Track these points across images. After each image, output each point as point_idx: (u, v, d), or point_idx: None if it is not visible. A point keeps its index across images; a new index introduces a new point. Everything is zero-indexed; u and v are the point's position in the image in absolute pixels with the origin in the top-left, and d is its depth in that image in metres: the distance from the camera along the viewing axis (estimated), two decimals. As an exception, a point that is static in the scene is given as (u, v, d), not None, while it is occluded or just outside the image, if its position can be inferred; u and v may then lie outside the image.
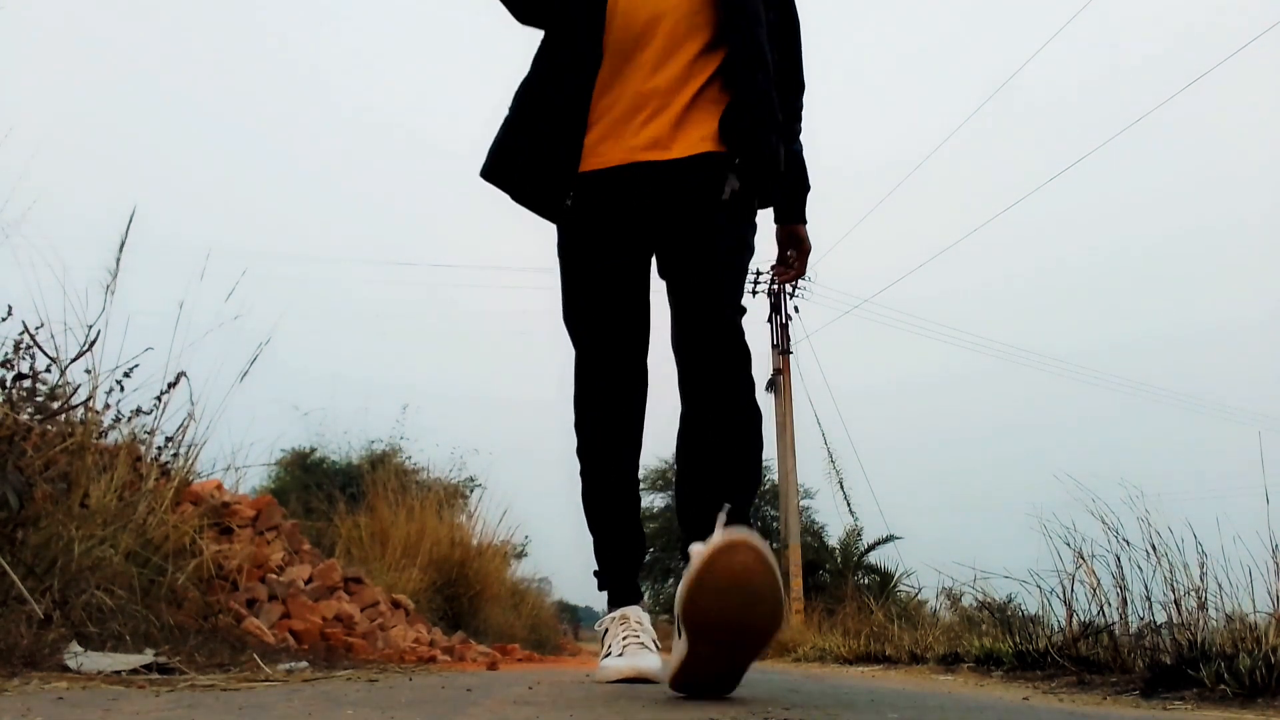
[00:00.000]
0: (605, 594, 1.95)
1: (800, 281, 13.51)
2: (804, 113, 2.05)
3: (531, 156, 1.84)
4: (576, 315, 1.87)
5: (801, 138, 2.07)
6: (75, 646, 1.90)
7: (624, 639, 1.83)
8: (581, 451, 1.90)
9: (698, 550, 1.23)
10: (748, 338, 1.75)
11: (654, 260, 1.87)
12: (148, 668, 1.86)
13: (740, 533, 1.19)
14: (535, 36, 1.92)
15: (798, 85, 2.02)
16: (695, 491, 1.71)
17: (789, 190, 2.05)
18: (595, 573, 1.97)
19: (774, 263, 2.15)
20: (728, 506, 1.43)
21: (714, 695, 1.41)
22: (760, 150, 1.78)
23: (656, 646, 1.86)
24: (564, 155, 1.80)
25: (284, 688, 1.67)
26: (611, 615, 1.90)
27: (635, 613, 1.88)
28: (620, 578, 1.93)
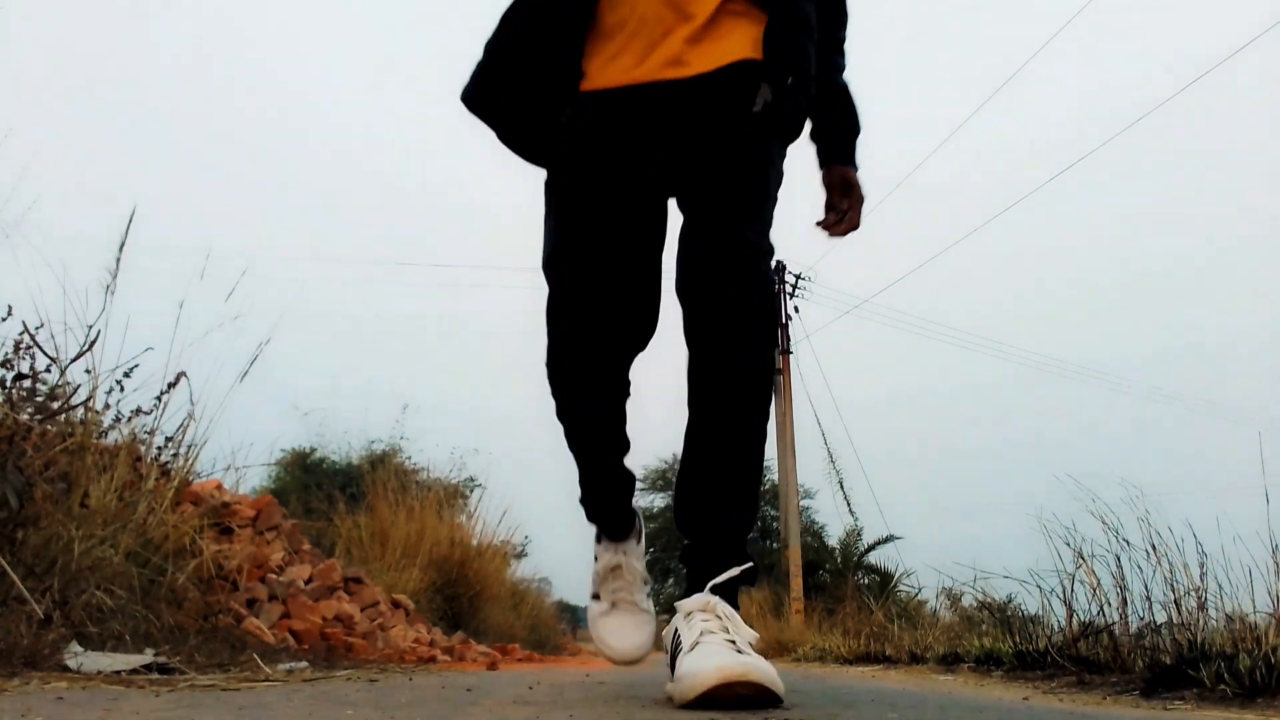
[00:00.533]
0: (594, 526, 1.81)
1: (800, 281, 13.52)
2: (847, 46, 1.81)
3: (525, 76, 1.58)
4: (567, 260, 1.53)
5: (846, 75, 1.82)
6: (75, 646, 1.90)
7: (614, 592, 1.75)
8: (563, 411, 1.65)
9: (690, 678, 1.21)
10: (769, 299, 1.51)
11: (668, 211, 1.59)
12: (148, 668, 1.86)
13: (737, 670, 1.18)
14: None
15: (841, 14, 1.78)
16: (695, 488, 1.48)
17: (837, 128, 1.82)
18: (581, 500, 1.77)
19: (821, 215, 1.83)
20: (715, 581, 1.37)
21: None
22: (797, 57, 1.53)
23: (649, 600, 1.78)
24: (562, 67, 1.53)
25: (284, 688, 1.67)
26: (605, 562, 1.76)
27: (629, 561, 1.76)
28: (611, 508, 1.75)
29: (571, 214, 1.53)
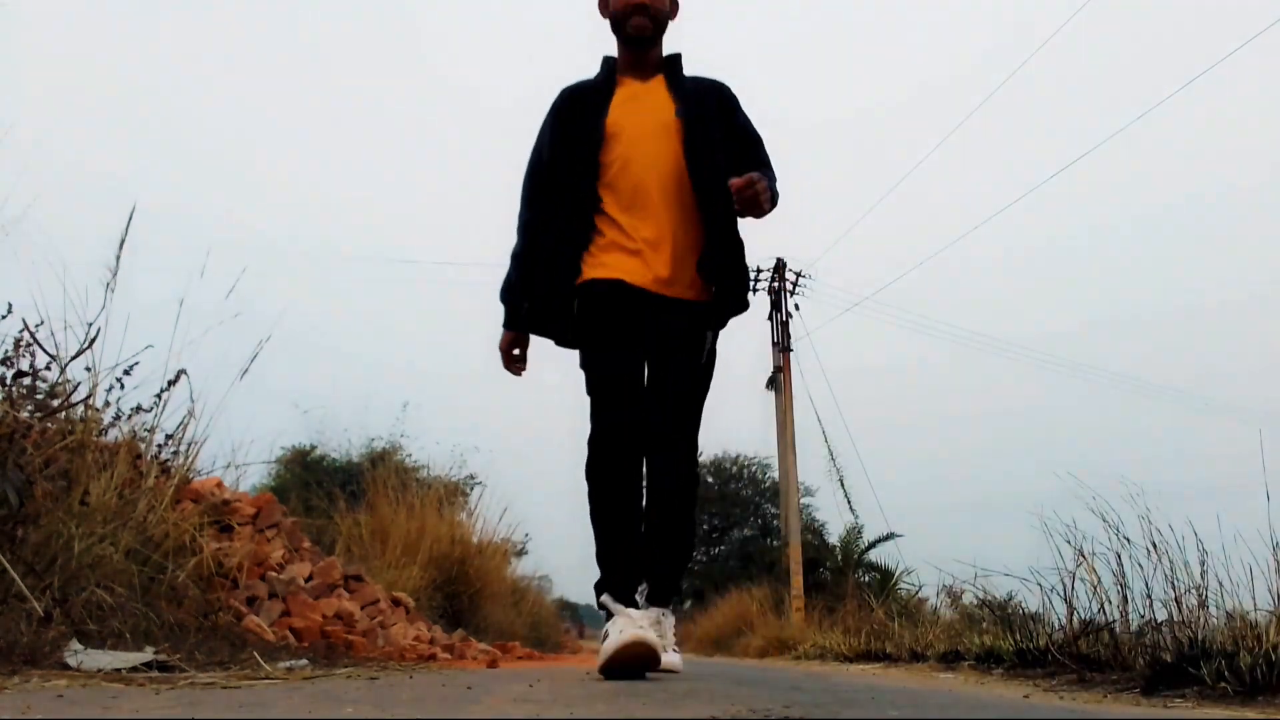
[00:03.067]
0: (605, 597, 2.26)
1: (801, 278, 13.53)
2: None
3: (540, 281, 2.36)
4: (601, 399, 2.25)
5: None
6: (75, 644, 1.90)
7: (621, 628, 2.07)
8: (599, 496, 2.27)
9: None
10: (696, 450, 2.36)
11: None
12: (148, 665, 1.86)
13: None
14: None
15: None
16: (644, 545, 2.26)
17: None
18: (597, 584, 2.26)
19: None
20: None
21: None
22: (736, 289, 2.35)
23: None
24: (564, 269, 2.30)
25: (284, 685, 1.67)
26: (615, 615, 2.15)
27: (637, 613, 2.15)
28: (622, 584, 2.23)
29: (592, 349, 2.30)
